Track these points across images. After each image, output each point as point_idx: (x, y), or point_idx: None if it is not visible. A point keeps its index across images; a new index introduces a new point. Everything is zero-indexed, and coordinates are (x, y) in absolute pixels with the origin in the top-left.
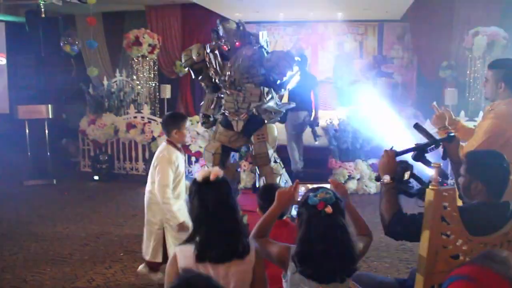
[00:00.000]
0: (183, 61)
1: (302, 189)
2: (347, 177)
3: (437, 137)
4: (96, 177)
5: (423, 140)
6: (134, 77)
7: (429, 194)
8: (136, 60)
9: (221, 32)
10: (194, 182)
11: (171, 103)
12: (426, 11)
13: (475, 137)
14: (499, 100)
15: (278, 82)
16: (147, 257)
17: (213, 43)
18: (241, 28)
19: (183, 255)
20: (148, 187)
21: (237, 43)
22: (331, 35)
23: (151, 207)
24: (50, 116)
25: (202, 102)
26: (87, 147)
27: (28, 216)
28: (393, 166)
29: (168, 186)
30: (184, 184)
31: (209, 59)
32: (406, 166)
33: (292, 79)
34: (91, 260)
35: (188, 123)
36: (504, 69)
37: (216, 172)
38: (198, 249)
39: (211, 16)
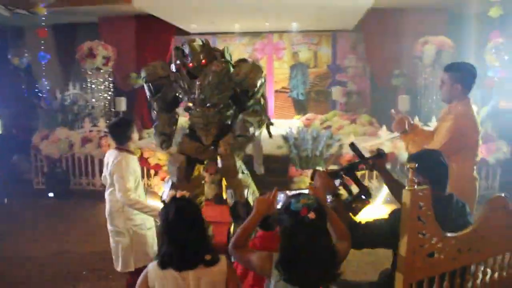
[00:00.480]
0: (143, 75)
1: (280, 196)
2: (308, 184)
3: (369, 154)
4: (51, 194)
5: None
6: (88, 90)
7: (406, 194)
8: (90, 73)
9: (186, 50)
10: (163, 203)
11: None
12: (378, 22)
13: (437, 138)
14: (455, 102)
15: (250, 93)
16: (118, 269)
17: (177, 61)
18: (206, 45)
19: (153, 269)
20: (108, 196)
21: (203, 61)
22: (286, 45)
23: (114, 215)
24: (0, 132)
25: (156, 123)
26: (40, 163)
27: None
28: (330, 185)
29: (130, 190)
30: (142, 188)
31: (175, 78)
32: (336, 175)
33: (261, 88)
34: (53, 281)
35: (135, 127)
36: (460, 72)
37: (182, 192)
38: (160, 257)
39: (166, 27)
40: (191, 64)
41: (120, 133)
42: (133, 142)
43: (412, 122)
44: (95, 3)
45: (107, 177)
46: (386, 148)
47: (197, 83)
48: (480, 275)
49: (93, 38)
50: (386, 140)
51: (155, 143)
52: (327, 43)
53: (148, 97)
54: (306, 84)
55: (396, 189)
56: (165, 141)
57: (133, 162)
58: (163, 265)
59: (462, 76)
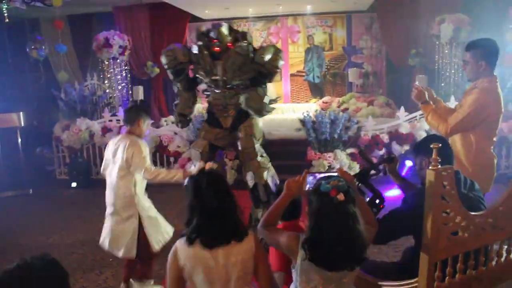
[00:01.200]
0: (165, 62)
1: (310, 179)
2: (327, 167)
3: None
4: (73, 184)
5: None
6: (106, 80)
7: (430, 174)
8: (106, 63)
9: (213, 35)
10: (191, 176)
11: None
12: (392, 1)
13: (459, 110)
14: (482, 79)
15: (271, 75)
16: (120, 254)
17: (200, 43)
18: (231, 29)
19: (182, 247)
20: (120, 180)
21: (229, 44)
22: (301, 28)
23: (123, 202)
24: (22, 124)
25: (177, 101)
26: (62, 154)
27: (8, 228)
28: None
29: (150, 166)
30: None
31: (197, 59)
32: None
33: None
34: (80, 268)
35: (148, 119)
36: (482, 48)
37: (210, 164)
38: (188, 233)
39: (180, 14)
40: (218, 48)
41: (137, 115)
42: (140, 128)
43: (435, 96)
44: None
45: (118, 161)
46: (404, 129)
47: (220, 64)
48: (504, 253)
49: (108, 28)
50: (404, 121)
51: (173, 130)
52: (341, 24)
53: (171, 79)
54: (322, 67)
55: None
56: (182, 121)
57: (146, 147)
58: (190, 241)
59: (485, 52)
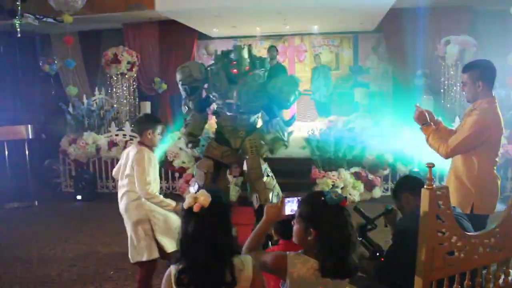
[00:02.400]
0: (180, 77)
1: (291, 200)
2: (331, 186)
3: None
4: (79, 197)
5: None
6: (114, 95)
7: (425, 194)
8: (115, 78)
9: (233, 56)
10: (182, 207)
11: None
12: (399, 22)
13: (460, 131)
14: (480, 99)
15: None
16: (144, 258)
17: (218, 64)
18: (251, 53)
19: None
20: (125, 187)
21: (246, 67)
22: (307, 47)
23: (132, 206)
24: (30, 137)
25: (188, 122)
26: (68, 167)
27: (12, 239)
28: None
29: (150, 184)
30: (158, 184)
31: (213, 81)
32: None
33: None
34: (81, 280)
35: (160, 128)
36: (479, 69)
37: (201, 202)
38: (177, 274)
39: (188, 32)
40: (235, 70)
41: (145, 125)
42: (154, 139)
43: (435, 117)
44: (119, 10)
45: (126, 167)
46: (410, 149)
47: (236, 89)
48: (502, 275)
49: (117, 44)
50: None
51: (179, 146)
52: (348, 44)
53: (183, 97)
54: (328, 86)
55: None
56: (193, 142)
57: (154, 157)
58: (178, 284)
59: (482, 72)
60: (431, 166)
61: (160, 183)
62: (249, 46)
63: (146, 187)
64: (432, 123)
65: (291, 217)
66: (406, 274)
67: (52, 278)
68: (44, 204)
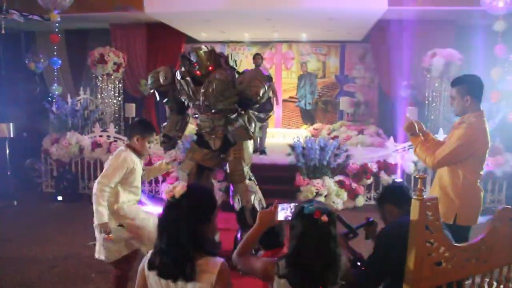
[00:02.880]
0: (149, 82)
1: (284, 206)
2: (314, 193)
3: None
4: (60, 198)
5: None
6: (99, 95)
7: (415, 204)
8: (100, 78)
9: (193, 58)
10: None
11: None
12: (386, 33)
13: (447, 143)
14: (468, 113)
15: (254, 101)
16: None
17: (183, 69)
18: (212, 52)
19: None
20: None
21: (210, 68)
22: (295, 55)
23: (109, 209)
24: (12, 135)
25: (165, 123)
26: (49, 166)
27: None
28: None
29: (107, 184)
30: (139, 189)
31: (180, 85)
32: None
33: (265, 95)
34: (61, 282)
35: (150, 137)
36: (467, 84)
37: (174, 192)
38: (150, 257)
39: (176, 35)
40: (198, 72)
41: (136, 130)
42: (142, 147)
43: (424, 129)
44: (107, 10)
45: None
46: (393, 159)
47: (202, 90)
48: (486, 286)
49: (104, 44)
50: (393, 151)
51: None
52: (335, 53)
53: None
54: (314, 94)
55: None
56: (166, 142)
57: (134, 162)
58: (150, 267)
59: (470, 87)
60: (422, 177)
61: (143, 186)
62: (211, 46)
63: (102, 185)
64: (420, 134)
65: (285, 223)
66: (387, 282)
67: (32, 280)
68: (24, 204)
